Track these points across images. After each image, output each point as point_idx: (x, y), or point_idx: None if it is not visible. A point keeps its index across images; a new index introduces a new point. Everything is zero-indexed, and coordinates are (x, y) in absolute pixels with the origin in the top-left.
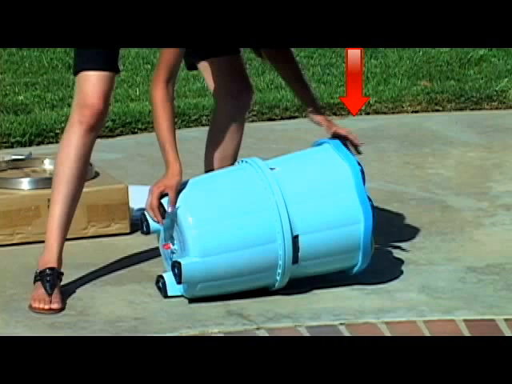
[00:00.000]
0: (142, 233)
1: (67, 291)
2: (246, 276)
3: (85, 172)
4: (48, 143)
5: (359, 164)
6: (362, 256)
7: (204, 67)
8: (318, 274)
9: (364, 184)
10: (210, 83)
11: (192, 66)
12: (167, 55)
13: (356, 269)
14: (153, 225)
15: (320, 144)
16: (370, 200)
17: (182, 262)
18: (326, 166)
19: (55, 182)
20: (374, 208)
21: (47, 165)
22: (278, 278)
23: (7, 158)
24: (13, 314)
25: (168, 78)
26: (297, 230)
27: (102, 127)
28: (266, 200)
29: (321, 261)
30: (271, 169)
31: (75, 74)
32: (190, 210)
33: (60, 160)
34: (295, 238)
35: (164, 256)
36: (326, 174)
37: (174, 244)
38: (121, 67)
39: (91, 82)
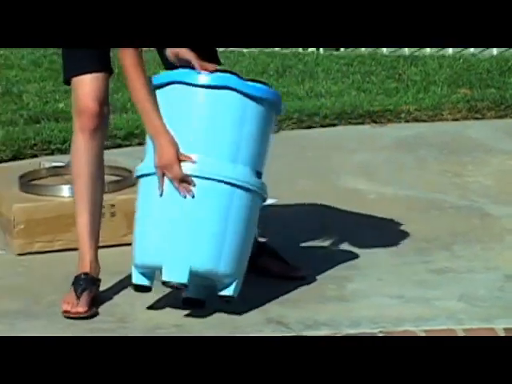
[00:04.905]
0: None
1: (106, 297)
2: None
3: (101, 174)
4: None
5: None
6: None
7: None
8: None
9: None
10: None
11: (171, 66)
12: None
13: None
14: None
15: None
16: None
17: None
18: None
19: (75, 194)
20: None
21: None
22: None
23: (48, 165)
24: (52, 320)
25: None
26: None
27: (104, 129)
28: None
29: None
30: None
31: (66, 82)
32: None
33: (75, 172)
34: None
35: None
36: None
37: None
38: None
39: (83, 86)
